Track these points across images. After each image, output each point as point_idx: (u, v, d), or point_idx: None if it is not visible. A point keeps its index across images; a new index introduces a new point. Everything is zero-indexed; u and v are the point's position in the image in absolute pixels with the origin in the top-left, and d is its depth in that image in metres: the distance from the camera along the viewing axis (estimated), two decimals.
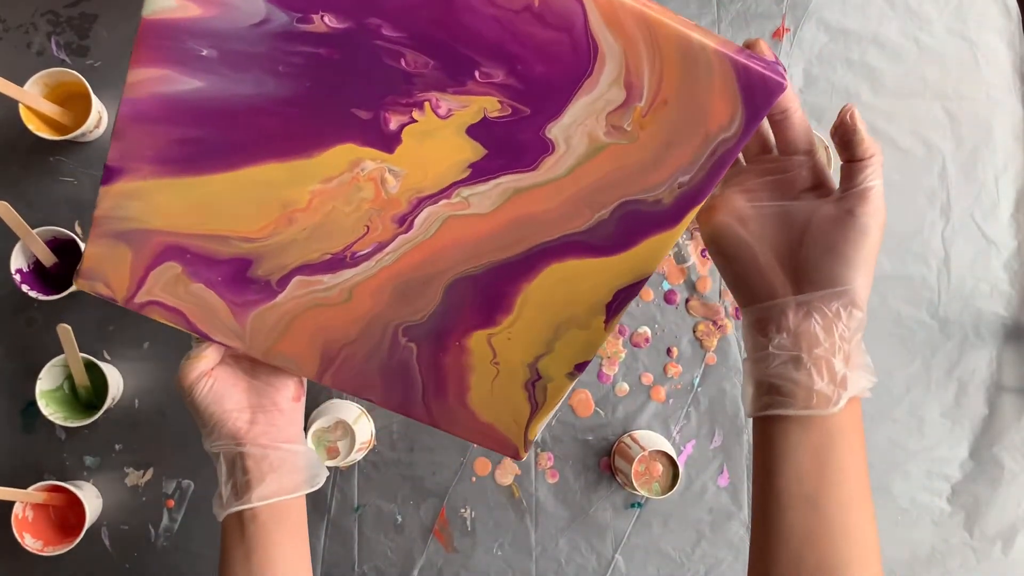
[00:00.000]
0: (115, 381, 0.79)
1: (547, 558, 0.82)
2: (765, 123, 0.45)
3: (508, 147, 0.43)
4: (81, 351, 0.76)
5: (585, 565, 0.83)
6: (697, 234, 0.84)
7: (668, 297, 0.84)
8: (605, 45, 0.40)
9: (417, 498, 0.83)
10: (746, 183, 0.46)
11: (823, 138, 0.73)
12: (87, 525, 0.76)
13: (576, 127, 0.42)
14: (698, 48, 0.39)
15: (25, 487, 0.75)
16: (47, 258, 0.76)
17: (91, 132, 0.79)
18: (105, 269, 0.48)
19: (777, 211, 0.45)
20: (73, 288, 0.75)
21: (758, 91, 0.40)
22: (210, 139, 0.43)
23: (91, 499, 0.77)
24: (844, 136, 0.43)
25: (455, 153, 0.43)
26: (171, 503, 0.81)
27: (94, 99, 0.77)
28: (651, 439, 0.80)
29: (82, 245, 0.76)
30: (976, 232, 0.85)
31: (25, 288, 0.75)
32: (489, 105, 0.42)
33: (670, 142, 0.42)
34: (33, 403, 0.77)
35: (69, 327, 0.73)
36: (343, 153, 0.43)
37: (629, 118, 0.42)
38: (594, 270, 0.46)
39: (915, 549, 0.83)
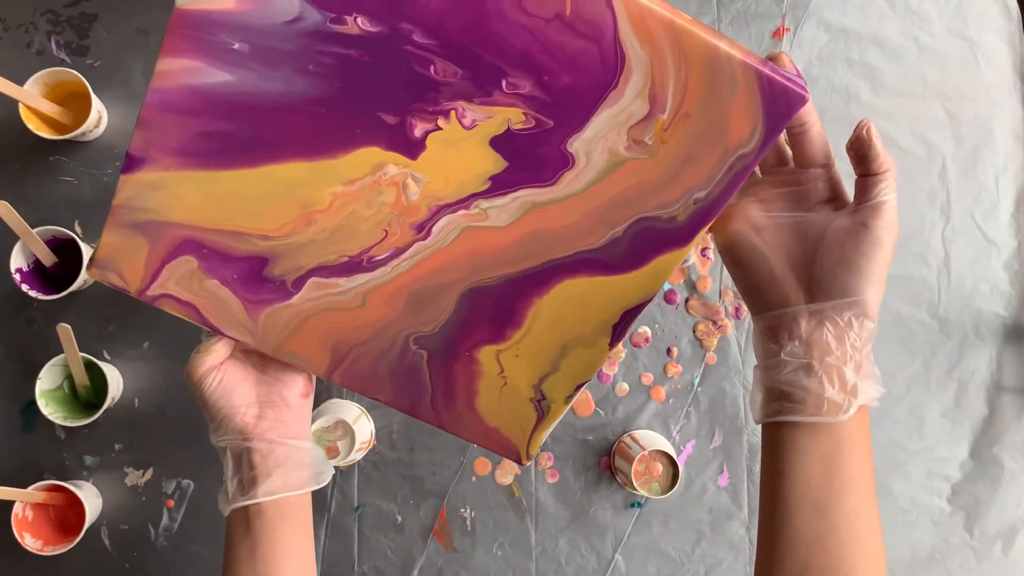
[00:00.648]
0: (115, 381, 0.79)
1: (547, 558, 0.82)
2: (782, 136, 0.45)
3: (529, 160, 0.43)
4: (81, 351, 0.76)
5: (585, 565, 0.83)
6: None
7: (668, 297, 0.84)
8: (633, 55, 0.39)
9: (417, 498, 0.82)
10: (762, 193, 0.46)
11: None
12: (87, 525, 0.76)
13: (598, 141, 0.42)
14: (724, 58, 0.39)
15: (25, 487, 0.75)
16: (47, 258, 0.76)
17: (91, 132, 0.79)
18: (119, 259, 0.47)
19: (792, 222, 0.45)
20: (73, 288, 0.75)
21: (780, 103, 0.40)
22: (236, 134, 0.43)
23: (91, 499, 0.77)
24: (860, 151, 0.43)
25: (477, 164, 0.43)
26: (171, 503, 0.81)
27: (94, 99, 0.77)
28: (651, 439, 0.80)
29: (82, 245, 0.76)
30: (976, 232, 0.85)
31: (25, 288, 0.75)
32: (514, 116, 0.42)
33: (689, 156, 0.42)
34: (33, 403, 0.77)
35: (69, 327, 0.73)
36: (367, 156, 0.43)
37: (651, 132, 0.42)
38: (604, 289, 0.46)
39: (915, 549, 0.83)
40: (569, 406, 0.51)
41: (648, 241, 0.45)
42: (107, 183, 0.81)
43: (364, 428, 0.79)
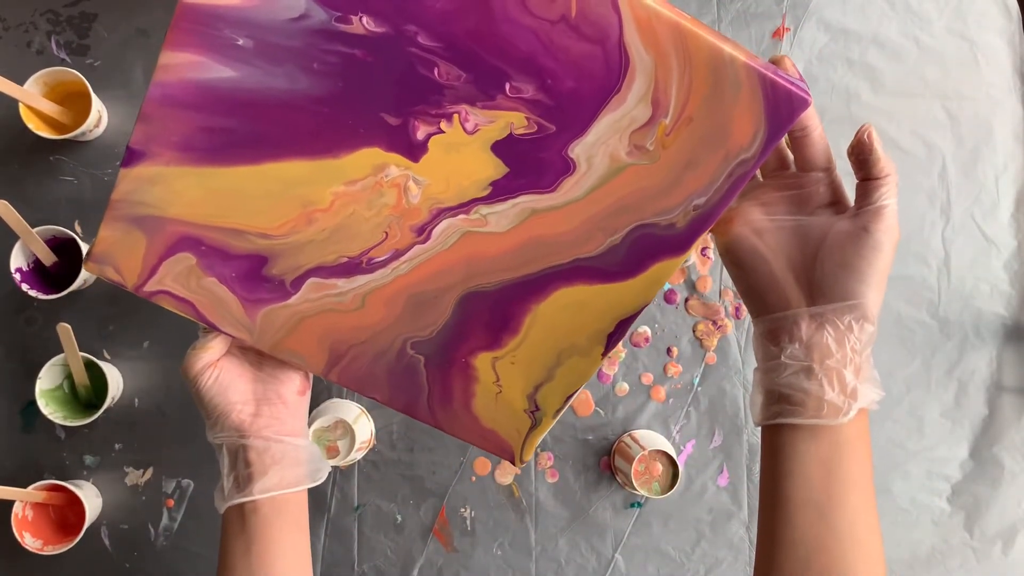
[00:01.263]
0: (115, 380, 0.79)
1: (547, 558, 0.82)
2: (783, 140, 0.45)
3: (530, 166, 0.43)
4: (81, 350, 0.76)
5: (585, 565, 0.83)
6: None
7: (668, 297, 0.84)
8: (637, 58, 0.39)
9: (417, 498, 0.82)
10: (763, 196, 0.47)
11: None
12: (87, 524, 0.76)
13: (599, 146, 0.42)
14: (728, 61, 0.39)
15: (25, 486, 0.75)
16: (47, 257, 0.76)
17: (91, 131, 0.79)
18: (117, 254, 0.46)
19: (793, 225, 0.45)
20: (73, 287, 0.75)
21: (783, 107, 0.40)
22: (237, 130, 0.42)
23: (91, 498, 0.77)
24: (861, 155, 0.43)
25: (478, 169, 0.43)
26: (171, 502, 0.81)
27: (94, 98, 0.77)
28: (651, 439, 0.80)
29: (82, 244, 0.76)
30: (976, 232, 0.85)
31: (25, 287, 0.75)
32: (516, 120, 0.42)
33: (690, 162, 0.42)
34: (33, 402, 0.77)
35: (69, 326, 0.73)
36: (369, 157, 0.43)
37: (652, 137, 0.41)
38: (601, 297, 0.46)
39: (915, 549, 0.83)
40: (557, 419, 0.51)
41: (646, 248, 0.45)
42: (107, 183, 0.81)
43: (364, 428, 0.79)
